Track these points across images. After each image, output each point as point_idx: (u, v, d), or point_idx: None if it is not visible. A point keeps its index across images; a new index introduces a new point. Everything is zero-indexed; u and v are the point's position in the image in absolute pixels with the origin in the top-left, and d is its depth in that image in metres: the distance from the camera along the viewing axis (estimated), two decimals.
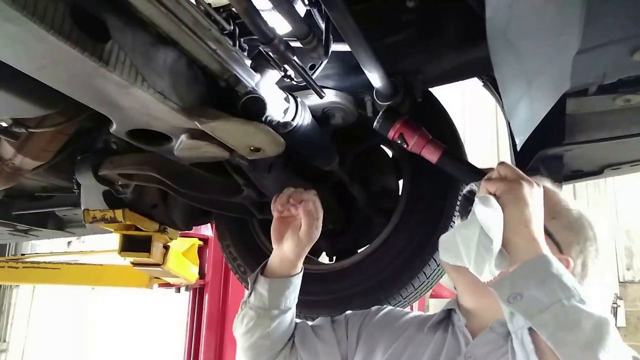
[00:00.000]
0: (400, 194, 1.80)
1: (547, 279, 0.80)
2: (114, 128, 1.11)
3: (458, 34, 1.26)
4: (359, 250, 1.94)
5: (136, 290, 3.98)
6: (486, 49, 1.25)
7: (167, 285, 3.54)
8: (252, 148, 1.17)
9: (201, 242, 3.60)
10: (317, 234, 1.17)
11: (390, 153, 1.97)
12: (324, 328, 1.28)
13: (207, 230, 3.63)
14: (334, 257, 2.05)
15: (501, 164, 0.93)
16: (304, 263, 1.24)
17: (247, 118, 1.07)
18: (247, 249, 1.99)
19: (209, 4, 0.94)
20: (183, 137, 1.14)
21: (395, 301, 1.68)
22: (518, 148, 0.99)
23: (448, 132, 1.69)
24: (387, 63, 1.18)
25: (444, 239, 0.94)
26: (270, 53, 0.97)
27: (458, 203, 1.45)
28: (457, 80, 1.36)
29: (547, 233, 0.98)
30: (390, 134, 1.05)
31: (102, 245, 5.16)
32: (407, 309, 1.40)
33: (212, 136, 1.12)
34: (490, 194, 0.89)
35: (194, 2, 0.89)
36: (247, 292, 1.24)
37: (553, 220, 1.04)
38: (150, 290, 3.62)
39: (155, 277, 3.44)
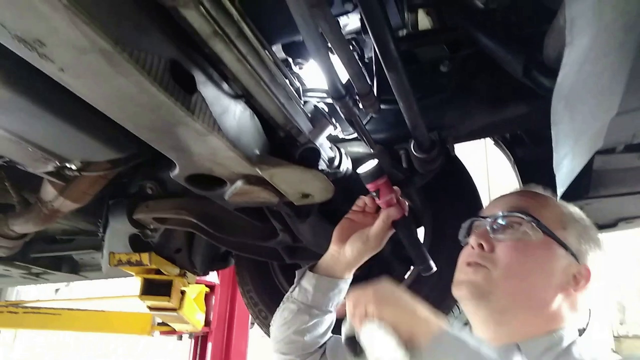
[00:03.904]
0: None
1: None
2: (176, 172, 1.17)
3: (489, 96, 1.37)
4: None
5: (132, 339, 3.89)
6: (512, 110, 1.38)
7: (170, 332, 3.50)
8: (302, 194, 1.25)
9: (208, 289, 3.59)
10: (383, 244, 1.17)
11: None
12: None
13: (213, 277, 3.64)
14: None
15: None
16: None
17: (304, 166, 1.15)
18: (269, 293, 2.02)
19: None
20: (239, 182, 1.21)
21: None
22: (558, 199, 1.07)
23: (469, 190, 1.80)
24: (425, 120, 1.29)
25: None
26: (338, 107, 1.06)
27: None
28: (486, 137, 1.46)
29: (562, 245, 1.00)
30: (371, 185, 1.14)
31: (91, 293, 5.10)
32: None
33: (267, 182, 1.20)
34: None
35: (272, 60, 0.99)
36: (291, 287, 1.25)
37: (564, 231, 1.02)
38: (151, 337, 3.57)
39: (160, 324, 3.42)
